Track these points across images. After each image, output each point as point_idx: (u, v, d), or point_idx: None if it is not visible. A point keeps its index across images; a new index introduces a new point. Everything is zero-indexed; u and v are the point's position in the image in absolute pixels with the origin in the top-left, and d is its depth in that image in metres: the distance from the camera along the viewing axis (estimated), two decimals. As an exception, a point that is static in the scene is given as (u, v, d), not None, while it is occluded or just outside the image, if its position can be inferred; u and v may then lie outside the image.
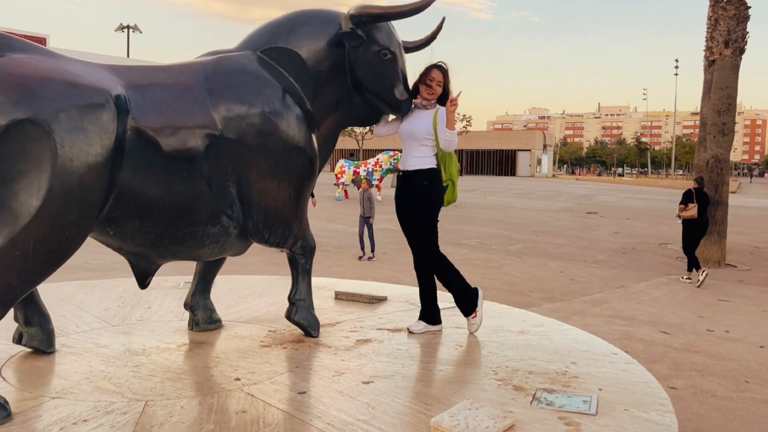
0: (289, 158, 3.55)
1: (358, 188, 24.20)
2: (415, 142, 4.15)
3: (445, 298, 4.28)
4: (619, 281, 10.68)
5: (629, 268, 12.00)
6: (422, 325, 4.06)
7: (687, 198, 11.03)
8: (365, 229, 11.76)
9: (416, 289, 4.38)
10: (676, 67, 73.21)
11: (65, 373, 3.14)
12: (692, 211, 10.81)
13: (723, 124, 13.44)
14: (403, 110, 4.12)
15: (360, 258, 11.59)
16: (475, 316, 4.00)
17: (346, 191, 25.16)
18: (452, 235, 15.11)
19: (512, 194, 34.34)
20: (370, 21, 3.79)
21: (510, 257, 12.59)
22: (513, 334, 4.04)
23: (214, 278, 4.14)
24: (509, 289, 9.37)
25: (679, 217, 11.17)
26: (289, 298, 3.89)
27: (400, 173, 4.31)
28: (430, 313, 4.13)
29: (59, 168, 2.67)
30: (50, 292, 4.62)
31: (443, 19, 4.34)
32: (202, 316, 3.99)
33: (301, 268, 3.89)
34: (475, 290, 4.12)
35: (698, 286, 10.34)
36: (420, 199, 4.14)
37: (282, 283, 5.38)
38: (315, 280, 5.60)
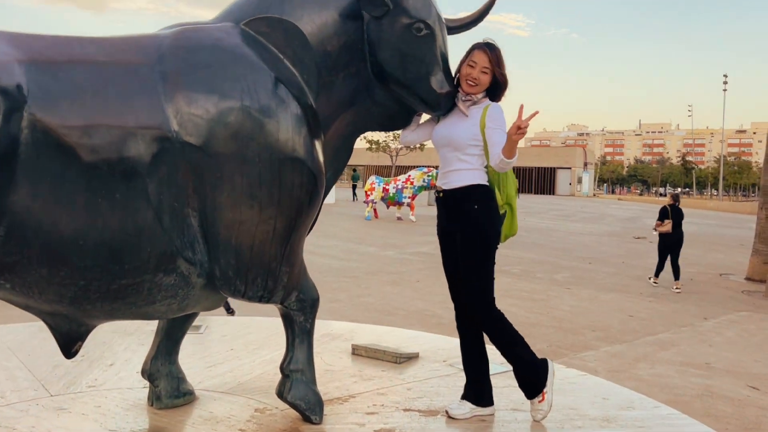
0: (279, 173, 2.52)
1: (387, 206, 23.39)
2: (456, 152, 3.05)
3: (495, 358, 3.19)
4: (684, 318, 9.42)
5: (691, 303, 10.71)
6: (467, 408, 2.99)
7: (663, 214, 11.86)
8: None
9: (457, 341, 3.28)
10: (725, 82, 70.38)
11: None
12: (667, 226, 11.68)
13: (797, 140, 11.94)
14: (442, 107, 3.03)
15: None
16: (543, 399, 2.92)
17: (375, 210, 23.75)
18: (492, 259, 13.91)
19: (553, 215, 32.95)
20: None
21: (557, 287, 11.39)
22: (594, 422, 2.93)
23: (183, 336, 3.11)
24: (560, 327, 8.20)
25: (656, 230, 12.09)
26: (282, 368, 2.84)
27: (439, 194, 3.19)
28: (477, 390, 3.04)
29: None
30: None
31: None
32: (166, 388, 2.96)
33: (298, 328, 2.84)
34: (544, 362, 3.04)
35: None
36: (469, 230, 3.03)
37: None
38: (329, 326, 4.57)
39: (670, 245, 11.74)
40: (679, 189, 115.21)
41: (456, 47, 3.24)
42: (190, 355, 3.67)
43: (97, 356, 3.68)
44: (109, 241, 2.27)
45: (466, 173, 3.06)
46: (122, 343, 3.86)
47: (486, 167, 3.09)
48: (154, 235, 2.35)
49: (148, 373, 2.99)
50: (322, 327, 4.81)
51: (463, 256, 3.06)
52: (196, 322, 4.59)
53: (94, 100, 2.24)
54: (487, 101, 3.10)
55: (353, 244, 15.95)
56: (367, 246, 15.73)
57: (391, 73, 2.88)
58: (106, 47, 2.43)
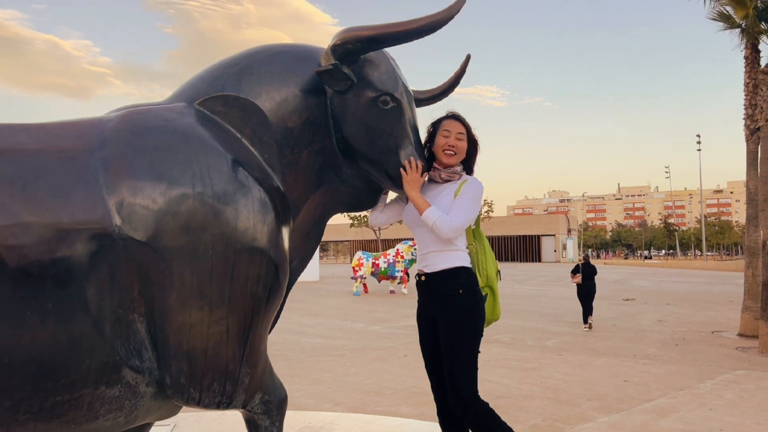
0: (232, 267, 2.26)
1: (379, 281, 23.48)
2: (431, 232, 2.89)
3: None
4: (680, 381, 9.13)
5: (686, 363, 10.44)
6: None
7: (576, 269, 14.74)
8: None
9: None
10: (698, 142, 71.67)
11: None
12: (578, 278, 14.53)
13: (778, 198, 11.96)
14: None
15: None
16: None
17: (365, 285, 23.92)
18: (481, 330, 13.61)
19: (541, 281, 32.76)
20: (361, 50, 2.59)
21: (549, 354, 11.09)
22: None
23: None
24: (555, 398, 7.88)
25: (573, 281, 15.03)
26: None
27: (420, 277, 2.99)
28: None
29: None
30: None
31: (468, 57, 3.14)
32: None
33: None
34: None
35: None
36: (454, 316, 2.85)
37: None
38: (309, 417, 4.29)
39: (586, 293, 14.48)
40: (663, 251, 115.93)
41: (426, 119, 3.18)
42: None
43: None
44: (40, 357, 2.01)
45: (448, 255, 2.91)
46: None
47: (467, 247, 2.96)
48: (93, 346, 2.10)
49: None
50: (300, 419, 4.53)
51: (447, 344, 2.87)
52: (165, 421, 4.30)
53: (22, 194, 2.03)
54: (464, 176, 2.99)
55: (339, 320, 15.61)
56: (354, 322, 15.37)
57: (358, 148, 2.73)
58: (40, 134, 2.22)
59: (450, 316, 2.88)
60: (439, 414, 2.98)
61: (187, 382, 2.28)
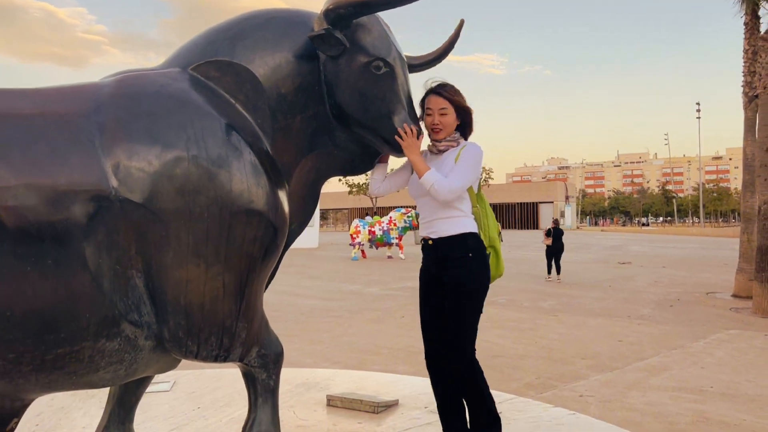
0: (230, 228, 2.32)
1: (376, 248, 24.00)
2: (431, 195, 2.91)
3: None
4: (673, 340, 9.25)
5: (680, 323, 10.56)
6: None
7: (547, 233, 17.56)
8: None
9: None
10: (698, 110, 71.49)
11: None
12: (548, 240, 17.29)
13: (775, 163, 11.92)
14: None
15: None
16: None
17: (363, 251, 24.54)
18: (477, 292, 13.73)
19: (538, 247, 32.91)
20: (353, 14, 2.59)
21: (545, 315, 11.21)
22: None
23: (137, 401, 2.86)
24: (549, 357, 8.00)
25: (544, 242, 17.64)
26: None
27: (428, 242, 3.01)
28: None
29: None
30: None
31: (461, 22, 3.10)
32: None
33: (261, 387, 2.62)
34: (499, 420, 2.98)
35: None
36: (464, 279, 2.89)
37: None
38: (304, 374, 4.36)
39: (553, 252, 17.18)
40: (661, 218, 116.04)
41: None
42: (153, 418, 3.47)
43: (53, 425, 3.40)
44: (41, 311, 2.05)
45: (455, 221, 2.94)
46: (81, 408, 3.59)
47: (472, 211, 3.00)
48: (92, 300, 2.14)
49: None
50: (297, 376, 4.60)
51: (454, 304, 2.92)
52: (164, 378, 4.36)
53: (21, 157, 2.05)
54: (462, 142, 3.00)
55: (337, 283, 15.73)
56: (351, 284, 15.50)
57: (351, 114, 2.73)
58: (36, 99, 2.24)
59: (459, 278, 2.91)
60: (429, 357, 3.04)
61: (185, 336, 2.33)
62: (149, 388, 3.61)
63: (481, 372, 2.96)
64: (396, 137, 2.75)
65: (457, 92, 3.00)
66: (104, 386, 2.41)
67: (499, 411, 2.95)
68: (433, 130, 2.96)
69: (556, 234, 17.55)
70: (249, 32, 2.64)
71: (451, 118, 2.97)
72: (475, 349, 2.96)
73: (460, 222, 2.93)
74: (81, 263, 2.11)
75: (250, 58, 2.58)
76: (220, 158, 2.31)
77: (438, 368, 3.02)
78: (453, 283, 2.92)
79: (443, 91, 2.99)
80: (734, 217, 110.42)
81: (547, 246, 17.53)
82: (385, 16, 2.88)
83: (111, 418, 2.79)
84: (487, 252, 3.02)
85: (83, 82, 2.46)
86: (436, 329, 3.01)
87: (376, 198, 43.74)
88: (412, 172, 3.02)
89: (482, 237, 2.99)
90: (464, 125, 3.03)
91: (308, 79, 2.67)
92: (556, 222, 18.54)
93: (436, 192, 2.81)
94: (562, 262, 17.45)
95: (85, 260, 2.11)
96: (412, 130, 2.74)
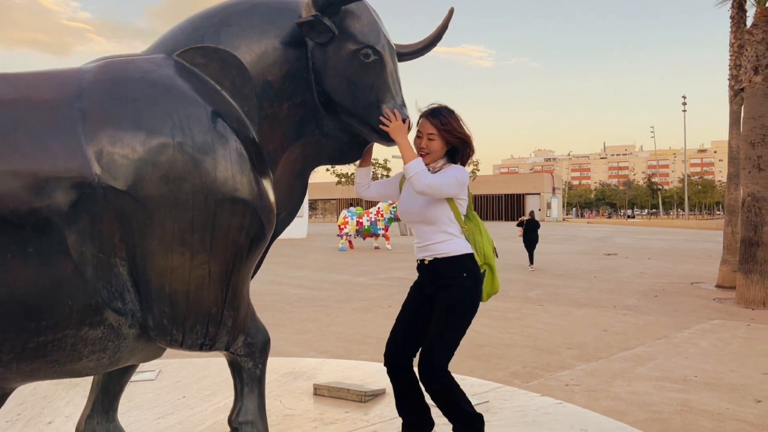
0: (215, 216, 2.28)
1: (363, 238, 24.09)
2: (432, 226, 2.94)
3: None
4: (658, 330, 9.33)
5: (664, 314, 10.65)
6: None
7: (521, 224, 18.59)
8: None
9: None
10: (684, 103, 71.93)
11: None
12: (520, 232, 18.35)
13: (758, 157, 11.73)
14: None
15: None
16: None
17: (350, 242, 24.70)
18: (464, 283, 13.78)
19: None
20: (342, 1, 2.56)
21: (531, 305, 11.28)
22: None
23: (121, 390, 2.84)
24: (535, 346, 8.04)
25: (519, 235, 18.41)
26: (230, 421, 2.59)
27: (423, 262, 3.03)
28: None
29: None
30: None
31: (451, 10, 3.07)
32: None
33: (247, 376, 2.59)
34: (481, 417, 2.96)
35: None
36: (456, 296, 2.91)
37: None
38: (291, 363, 4.35)
39: (528, 242, 17.95)
40: (646, 210, 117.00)
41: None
42: (139, 407, 3.44)
43: (36, 413, 3.37)
44: (22, 299, 2.02)
45: (451, 243, 2.95)
46: (65, 397, 3.55)
47: (461, 233, 3.00)
48: (75, 288, 2.11)
49: None
50: (283, 365, 4.58)
51: (440, 318, 2.91)
52: (150, 366, 4.33)
53: (0, 143, 2.01)
54: (450, 166, 3.00)
55: (325, 273, 15.72)
56: (339, 275, 15.50)
57: (340, 101, 2.69)
58: (17, 84, 2.19)
59: (450, 296, 2.92)
60: (389, 355, 3.11)
61: (170, 324, 2.30)
62: (134, 377, 3.58)
63: (457, 385, 2.95)
64: (382, 119, 2.72)
65: (450, 121, 2.98)
66: (88, 375, 2.39)
67: (486, 400, 2.96)
68: (419, 153, 2.96)
69: (531, 226, 18.15)
70: (235, 18, 2.60)
71: (437, 145, 2.96)
72: (447, 364, 2.93)
73: (456, 243, 2.95)
74: (63, 251, 2.08)
75: (236, 45, 2.54)
76: (206, 145, 2.28)
77: (395, 367, 3.08)
78: (444, 300, 2.93)
79: (433, 117, 2.98)
80: (718, 210, 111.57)
81: (524, 237, 18.26)
82: (374, 3, 2.86)
83: (95, 407, 2.76)
84: (482, 270, 3.03)
85: (65, 68, 2.42)
86: (409, 334, 3.06)
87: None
88: (402, 190, 3.04)
89: (476, 255, 2.99)
90: (454, 152, 3.01)
91: (296, 66, 2.64)
92: (532, 214, 19.16)
93: (416, 181, 2.80)
94: (537, 253, 18.29)
95: (67, 248, 2.09)
96: (396, 114, 2.72)
